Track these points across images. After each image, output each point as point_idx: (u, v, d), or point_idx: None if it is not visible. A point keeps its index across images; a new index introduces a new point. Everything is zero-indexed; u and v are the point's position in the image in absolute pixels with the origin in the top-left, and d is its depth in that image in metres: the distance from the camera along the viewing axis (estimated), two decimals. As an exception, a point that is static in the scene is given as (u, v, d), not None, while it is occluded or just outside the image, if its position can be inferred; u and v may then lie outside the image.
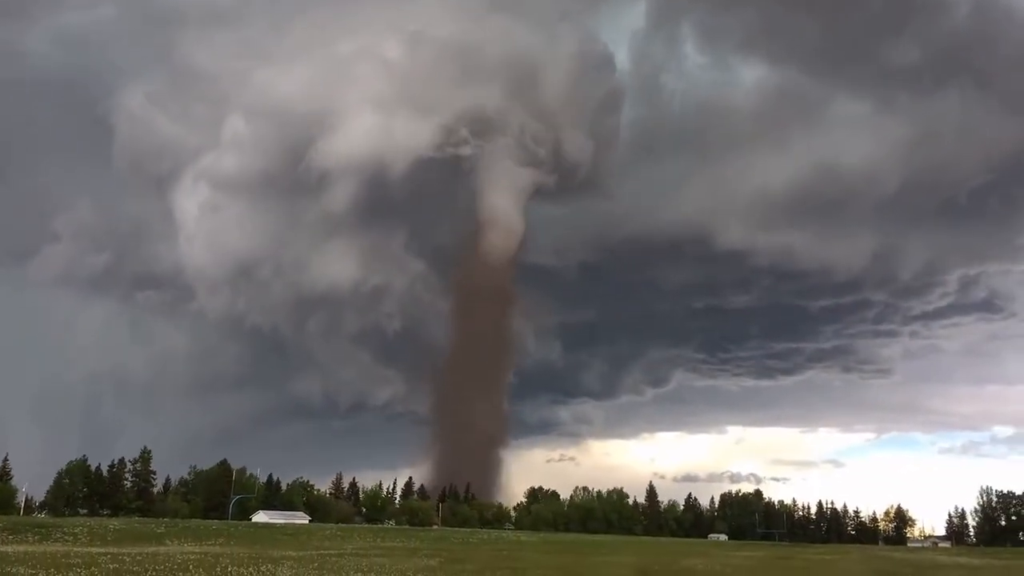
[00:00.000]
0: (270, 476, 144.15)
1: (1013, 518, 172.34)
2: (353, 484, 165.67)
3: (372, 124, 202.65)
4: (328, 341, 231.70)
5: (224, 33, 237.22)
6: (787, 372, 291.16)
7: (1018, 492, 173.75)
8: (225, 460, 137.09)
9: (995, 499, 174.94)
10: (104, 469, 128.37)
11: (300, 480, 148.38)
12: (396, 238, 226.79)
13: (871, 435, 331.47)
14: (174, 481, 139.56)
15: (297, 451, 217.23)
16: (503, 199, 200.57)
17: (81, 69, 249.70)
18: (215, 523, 78.39)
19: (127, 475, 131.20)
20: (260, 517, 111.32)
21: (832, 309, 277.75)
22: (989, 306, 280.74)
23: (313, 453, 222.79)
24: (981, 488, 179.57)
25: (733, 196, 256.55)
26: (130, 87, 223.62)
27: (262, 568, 25.17)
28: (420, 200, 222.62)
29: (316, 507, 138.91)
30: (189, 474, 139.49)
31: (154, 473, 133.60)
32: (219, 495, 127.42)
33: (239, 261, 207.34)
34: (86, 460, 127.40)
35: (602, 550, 52.66)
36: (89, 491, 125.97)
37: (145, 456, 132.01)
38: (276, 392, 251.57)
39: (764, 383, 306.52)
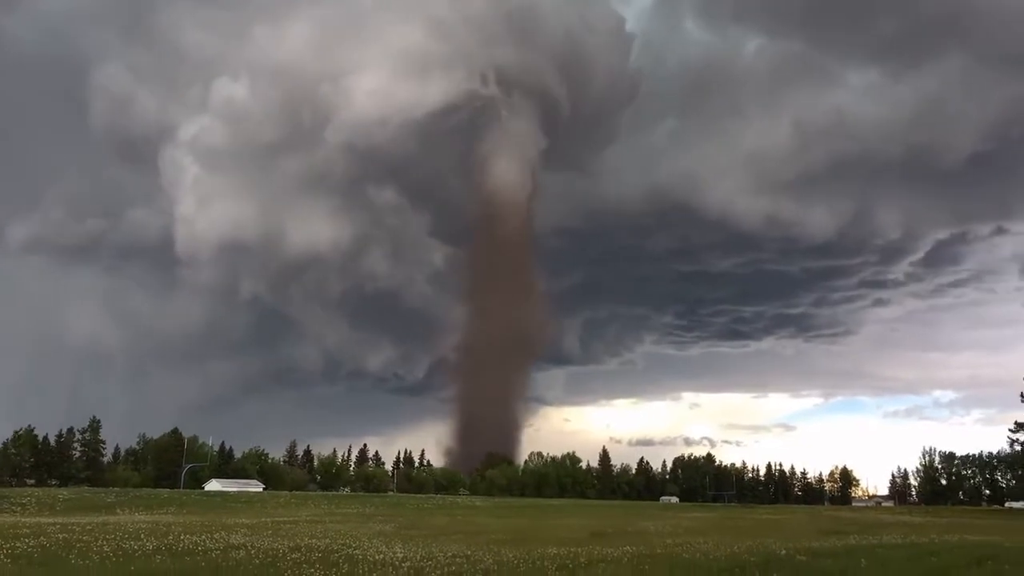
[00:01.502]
0: (223, 444, 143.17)
1: (953, 478, 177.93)
2: (307, 452, 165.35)
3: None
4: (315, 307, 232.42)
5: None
6: (745, 338, 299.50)
7: (959, 453, 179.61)
8: (176, 429, 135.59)
9: (937, 460, 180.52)
10: (52, 439, 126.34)
11: (254, 448, 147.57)
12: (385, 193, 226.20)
13: (819, 400, 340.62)
14: (123, 451, 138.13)
15: (254, 419, 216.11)
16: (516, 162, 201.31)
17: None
18: (167, 492, 77.79)
19: (76, 445, 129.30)
20: (213, 485, 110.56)
21: (799, 276, 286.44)
22: (937, 274, 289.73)
23: (270, 421, 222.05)
24: (923, 449, 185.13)
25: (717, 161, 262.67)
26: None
27: (215, 536, 25.06)
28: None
29: (270, 475, 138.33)
30: (139, 443, 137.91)
31: (103, 442, 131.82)
32: (171, 464, 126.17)
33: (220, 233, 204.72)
34: (32, 430, 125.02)
35: (555, 514, 53.33)
36: (36, 461, 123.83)
37: (94, 425, 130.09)
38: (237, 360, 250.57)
39: (722, 349, 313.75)
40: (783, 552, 21.34)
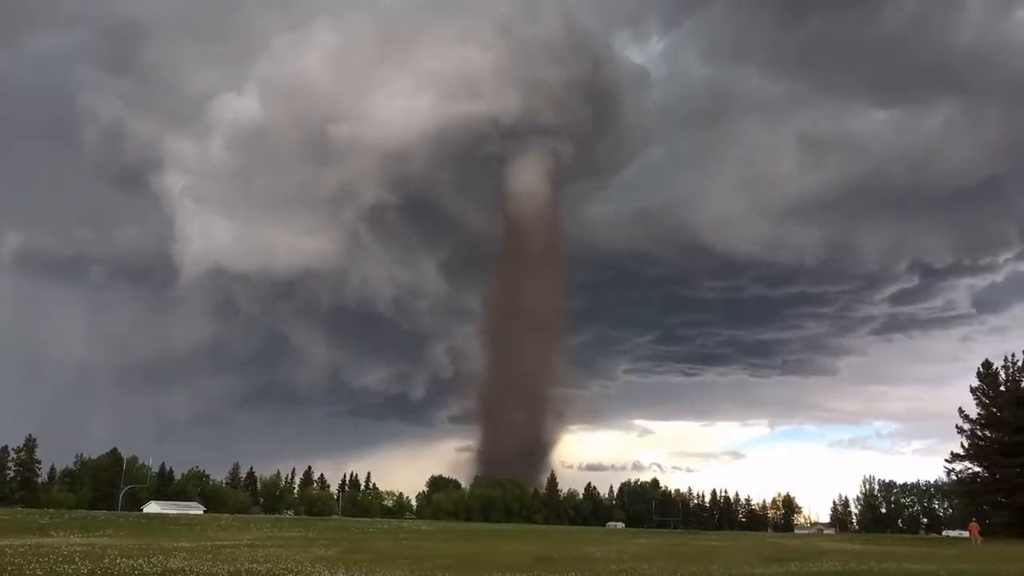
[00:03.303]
0: (163, 466, 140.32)
1: (892, 506, 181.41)
2: (251, 474, 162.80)
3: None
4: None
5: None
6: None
7: (899, 482, 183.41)
8: (115, 449, 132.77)
9: (877, 488, 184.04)
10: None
11: (195, 470, 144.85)
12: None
13: (766, 429, 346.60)
14: (59, 471, 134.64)
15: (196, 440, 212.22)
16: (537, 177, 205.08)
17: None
18: (103, 514, 75.74)
19: (10, 464, 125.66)
20: (152, 507, 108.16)
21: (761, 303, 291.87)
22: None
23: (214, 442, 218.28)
24: (864, 477, 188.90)
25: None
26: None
27: (153, 559, 24.51)
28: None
29: (212, 498, 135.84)
30: (75, 463, 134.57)
31: (39, 462, 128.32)
32: (108, 485, 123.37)
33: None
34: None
35: (501, 538, 53.08)
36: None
37: (29, 445, 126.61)
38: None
39: (674, 379, 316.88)
40: (725, 579, 21.55)
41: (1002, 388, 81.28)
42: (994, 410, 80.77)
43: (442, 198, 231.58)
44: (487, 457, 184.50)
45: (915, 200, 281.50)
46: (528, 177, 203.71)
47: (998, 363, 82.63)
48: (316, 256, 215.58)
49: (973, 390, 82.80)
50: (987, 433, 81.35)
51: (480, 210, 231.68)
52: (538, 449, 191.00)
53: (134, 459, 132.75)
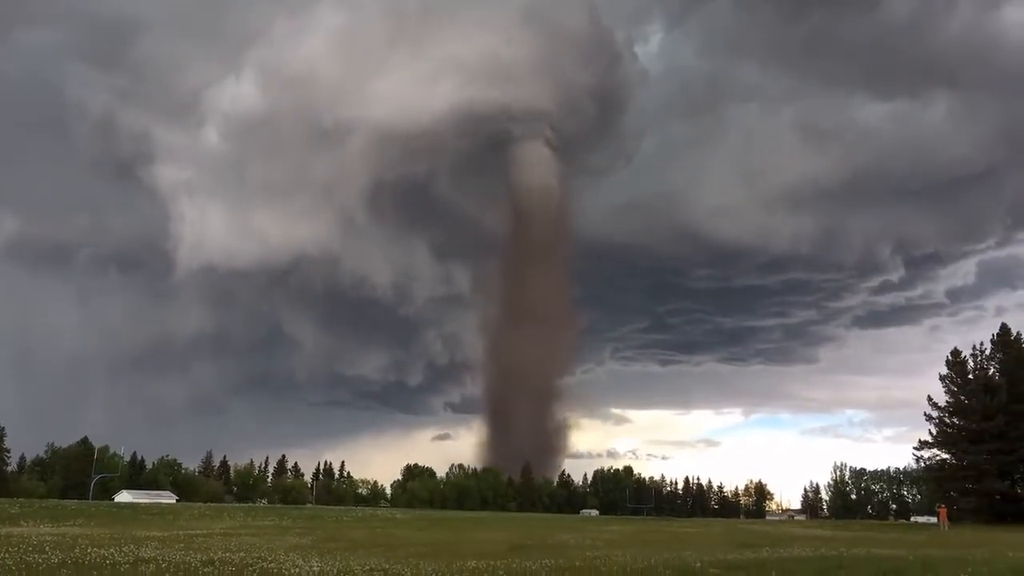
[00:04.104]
0: (135, 455, 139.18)
1: (862, 492, 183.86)
2: (224, 463, 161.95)
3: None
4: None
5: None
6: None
7: (869, 469, 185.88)
8: (86, 438, 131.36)
9: (847, 475, 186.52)
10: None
11: (167, 458, 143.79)
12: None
13: (740, 417, 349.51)
14: (29, 460, 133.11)
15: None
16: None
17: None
18: (74, 503, 75.06)
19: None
20: (123, 497, 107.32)
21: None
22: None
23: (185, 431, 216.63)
24: (834, 464, 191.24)
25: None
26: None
27: (124, 549, 24.32)
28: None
29: (184, 487, 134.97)
30: (46, 452, 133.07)
31: (8, 451, 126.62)
32: (79, 474, 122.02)
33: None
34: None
35: (475, 527, 53.21)
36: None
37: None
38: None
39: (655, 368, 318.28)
40: (697, 564, 21.73)
41: (970, 376, 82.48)
42: (962, 398, 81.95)
43: (443, 185, 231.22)
44: (496, 449, 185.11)
45: (900, 191, 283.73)
46: (535, 165, 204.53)
47: (967, 352, 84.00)
48: (310, 241, 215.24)
49: (942, 378, 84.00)
50: (955, 421, 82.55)
51: (483, 197, 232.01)
52: (551, 439, 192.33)
53: (105, 448, 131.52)
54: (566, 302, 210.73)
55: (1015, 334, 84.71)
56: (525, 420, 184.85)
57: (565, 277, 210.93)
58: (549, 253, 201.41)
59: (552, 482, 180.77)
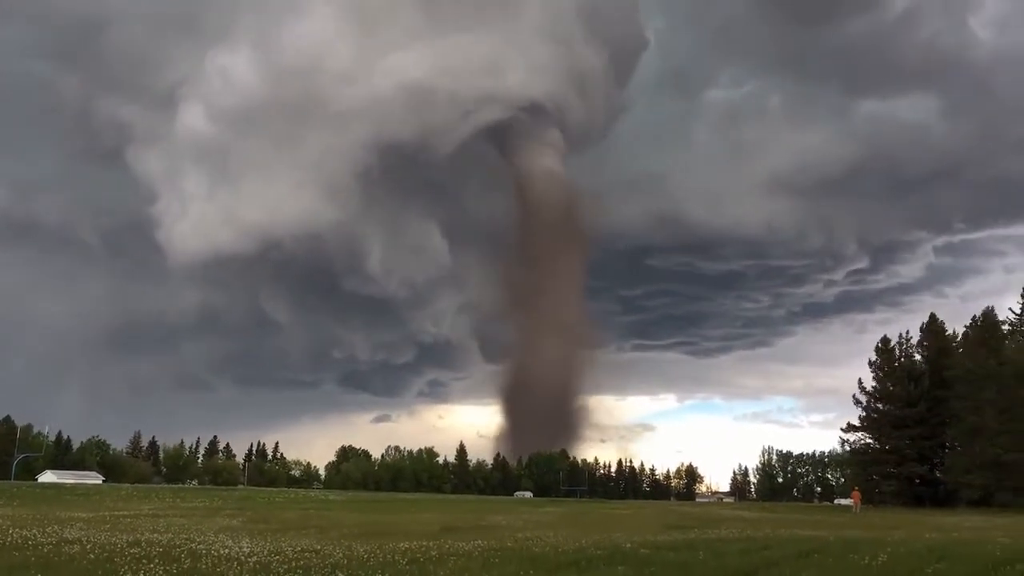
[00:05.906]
0: (59, 434, 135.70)
1: (789, 476, 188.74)
2: (152, 443, 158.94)
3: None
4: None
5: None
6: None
7: (795, 452, 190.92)
8: (8, 417, 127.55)
9: (774, 458, 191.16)
10: None
11: (95, 439, 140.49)
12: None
13: (675, 404, 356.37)
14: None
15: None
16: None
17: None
18: (-5, 484, 73.06)
19: None
20: (47, 477, 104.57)
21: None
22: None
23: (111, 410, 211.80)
24: (763, 448, 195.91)
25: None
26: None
27: (47, 530, 23.74)
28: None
29: (112, 467, 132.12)
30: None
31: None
32: (1, 454, 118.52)
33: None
34: None
35: (409, 508, 53.22)
36: None
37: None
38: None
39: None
40: (628, 545, 22.06)
41: (896, 364, 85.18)
42: (888, 385, 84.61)
43: (445, 169, 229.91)
44: (516, 432, 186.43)
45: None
46: (538, 155, 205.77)
47: (895, 340, 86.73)
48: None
49: (871, 363, 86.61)
50: (880, 406, 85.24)
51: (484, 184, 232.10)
52: (570, 418, 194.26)
53: (29, 427, 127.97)
54: (579, 286, 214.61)
55: (940, 322, 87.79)
56: (545, 400, 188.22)
57: (578, 265, 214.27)
58: (560, 243, 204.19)
59: (487, 464, 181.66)
